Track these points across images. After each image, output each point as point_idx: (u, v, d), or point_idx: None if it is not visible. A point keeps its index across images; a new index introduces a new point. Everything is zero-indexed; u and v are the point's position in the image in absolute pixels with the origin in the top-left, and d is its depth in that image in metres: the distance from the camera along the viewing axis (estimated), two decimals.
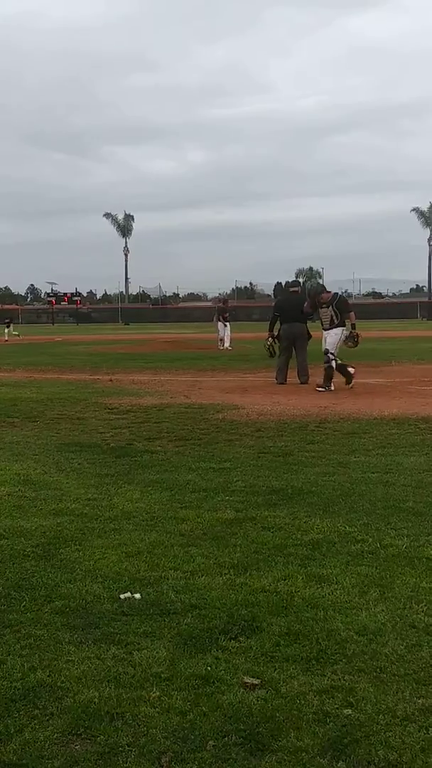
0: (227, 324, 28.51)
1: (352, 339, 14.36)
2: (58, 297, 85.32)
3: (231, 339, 28.34)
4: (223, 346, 27.81)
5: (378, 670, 3.29)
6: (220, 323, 28.80)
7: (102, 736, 2.83)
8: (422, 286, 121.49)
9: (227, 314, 29.26)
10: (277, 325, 15.73)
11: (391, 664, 3.34)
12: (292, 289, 17.42)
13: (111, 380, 16.08)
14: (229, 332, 28.38)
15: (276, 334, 15.77)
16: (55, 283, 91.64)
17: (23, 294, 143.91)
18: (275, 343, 15.74)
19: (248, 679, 3.20)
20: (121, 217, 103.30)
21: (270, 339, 15.86)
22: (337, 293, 15.07)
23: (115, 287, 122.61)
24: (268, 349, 15.95)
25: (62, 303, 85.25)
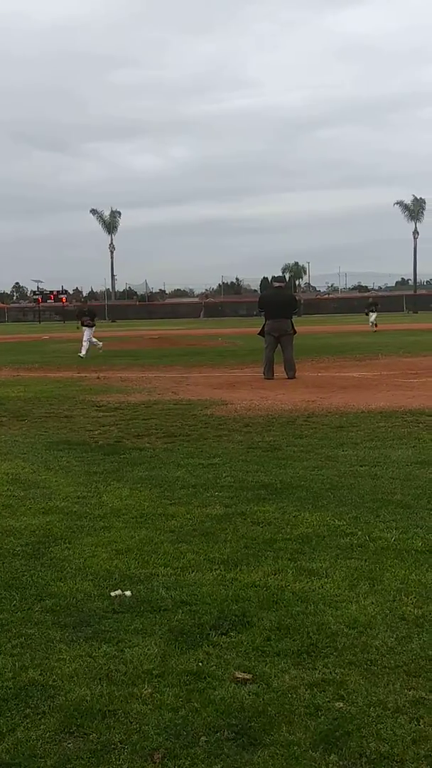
0: (86, 328, 23.86)
1: None
2: (44, 295, 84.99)
3: (91, 344, 23.51)
4: (82, 352, 22.88)
5: (368, 662, 3.30)
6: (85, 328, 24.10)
7: (94, 734, 2.83)
8: (408, 280, 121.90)
9: (86, 318, 24.58)
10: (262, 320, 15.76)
11: (382, 656, 3.35)
12: (276, 285, 17.47)
13: (98, 378, 16.05)
14: (88, 336, 23.52)
15: (260, 330, 15.79)
16: (41, 281, 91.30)
17: (9, 292, 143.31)
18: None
19: (240, 674, 3.21)
20: (107, 213, 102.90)
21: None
22: None
23: (101, 284, 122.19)
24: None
25: (48, 301, 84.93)
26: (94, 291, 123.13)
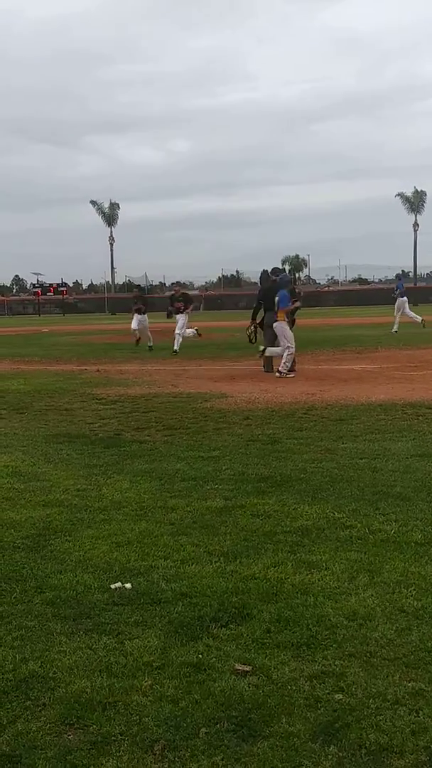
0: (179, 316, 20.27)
1: None
2: (44, 288, 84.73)
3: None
4: None
5: (368, 654, 3.31)
6: None
7: (95, 726, 2.84)
8: (407, 272, 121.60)
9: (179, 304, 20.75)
10: (261, 313, 15.75)
11: (381, 648, 3.36)
12: (274, 277, 17.41)
13: (98, 371, 16.03)
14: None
15: (259, 321, 15.79)
16: (41, 274, 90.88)
17: (8, 285, 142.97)
18: (257, 330, 15.84)
19: (239, 666, 3.22)
20: (106, 205, 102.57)
21: (252, 326, 15.96)
22: None
23: (101, 277, 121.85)
24: (249, 336, 16.10)
25: (48, 294, 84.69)
26: (94, 284, 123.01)
